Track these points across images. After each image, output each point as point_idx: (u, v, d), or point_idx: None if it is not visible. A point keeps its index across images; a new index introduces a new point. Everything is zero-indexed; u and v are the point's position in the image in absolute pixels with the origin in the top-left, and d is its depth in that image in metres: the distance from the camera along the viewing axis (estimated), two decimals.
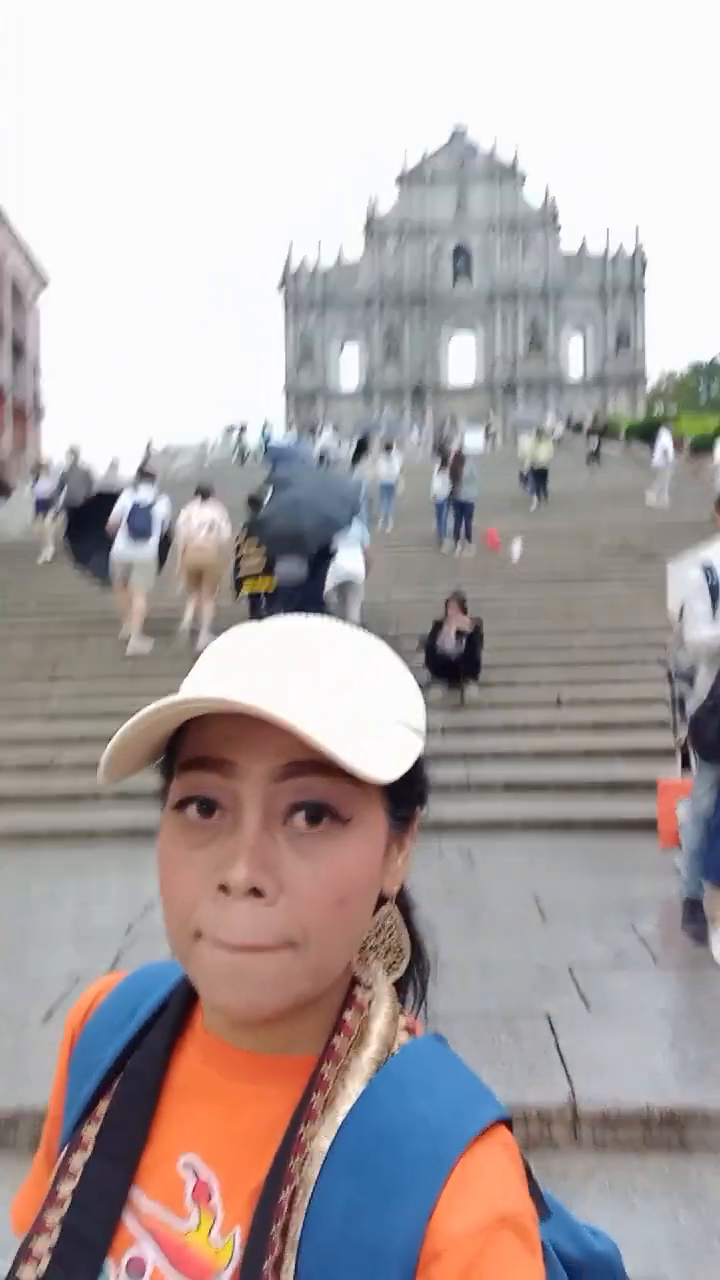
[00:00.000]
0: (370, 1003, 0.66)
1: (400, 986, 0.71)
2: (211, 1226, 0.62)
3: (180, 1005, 0.71)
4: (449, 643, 8.44)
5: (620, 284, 63.29)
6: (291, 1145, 0.60)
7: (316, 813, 0.59)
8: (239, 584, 9.74)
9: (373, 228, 64.41)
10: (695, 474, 20.48)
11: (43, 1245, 0.64)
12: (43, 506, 16.07)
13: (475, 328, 64.16)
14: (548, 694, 8.48)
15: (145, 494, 10.10)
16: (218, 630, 10.40)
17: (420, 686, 0.69)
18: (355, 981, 0.67)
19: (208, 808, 0.60)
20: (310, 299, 64.22)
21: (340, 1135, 0.60)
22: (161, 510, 10.14)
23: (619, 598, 11.38)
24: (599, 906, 5.05)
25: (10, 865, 6.27)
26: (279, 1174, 0.59)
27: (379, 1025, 0.65)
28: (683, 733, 5.02)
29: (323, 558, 8.82)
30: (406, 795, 0.65)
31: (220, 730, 0.59)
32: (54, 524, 15.43)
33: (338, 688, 0.60)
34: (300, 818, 0.59)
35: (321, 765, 0.57)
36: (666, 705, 5.85)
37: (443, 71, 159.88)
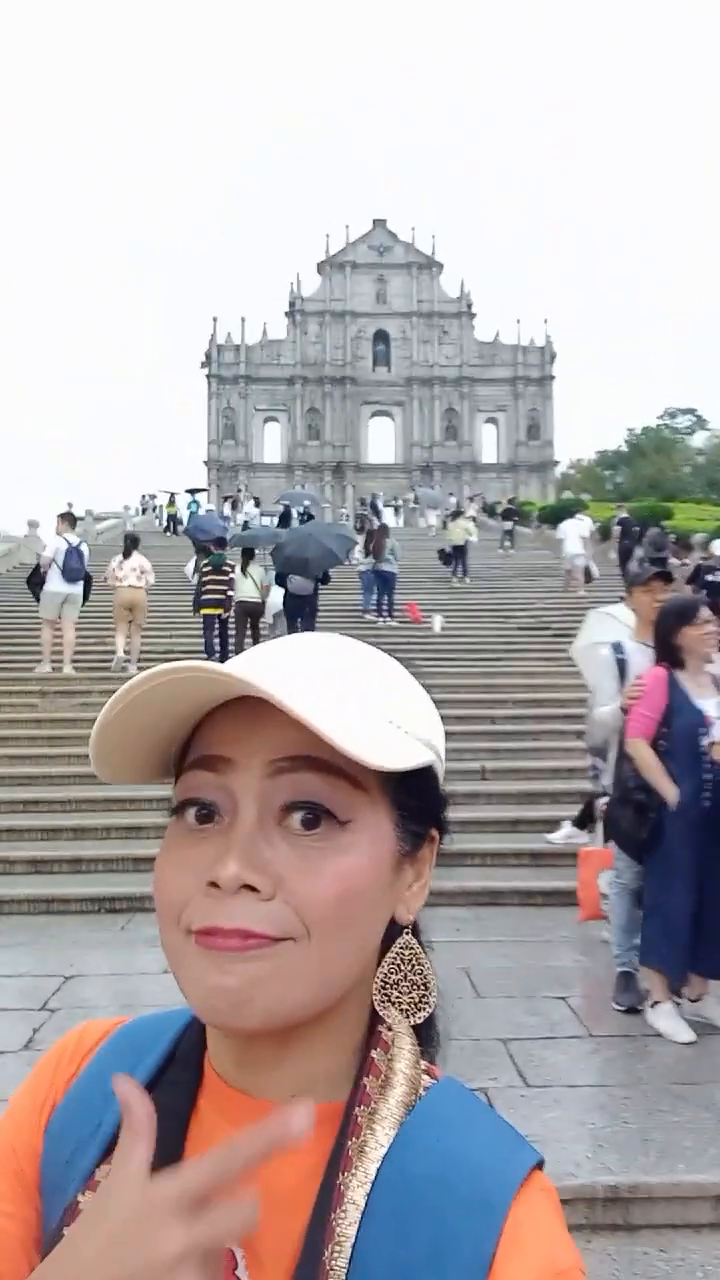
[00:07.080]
0: (394, 1042, 0.61)
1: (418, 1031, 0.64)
2: None
3: (191, 1058, 0.63)
4: None
5: (531, 374, 65.87)
6: (330, 1198, 0.54)
7: (314, 815, 0.55)
8: (199, 606, 12.11)
9: (295, 309, 65.91)
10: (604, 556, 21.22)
11: None
12: None
13: (394, 411, 65.76)
14: (472, 765, 8.50)
15: (73, 539, 11.52)
16: (142, 662, 11.27)
17: None
18: (376, 1020, 0.62)
19: (207, 813, 0.56)
20: (233, 375, 65.03)
21: (376, 1188, 0.54)
22: (86, 553, 11.54)
23: (536, 673, 11.58)
24: (529, 979, 4.99)
25: None
26: (319, 1232, 0.54)
27: (403, 1067, 0.60)
28: (601, 805, 5.06)
29: (324, 579, 12.10)
30: (414, 809, 0.61)
31: (221, 731, 0.57)
32: None
33: (337, 684, 0.58)
34: (297, 820, 0.55)
35: (317, 762, 0.54)
36: (588, 779, 5.91)
37: (365, 157, 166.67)
